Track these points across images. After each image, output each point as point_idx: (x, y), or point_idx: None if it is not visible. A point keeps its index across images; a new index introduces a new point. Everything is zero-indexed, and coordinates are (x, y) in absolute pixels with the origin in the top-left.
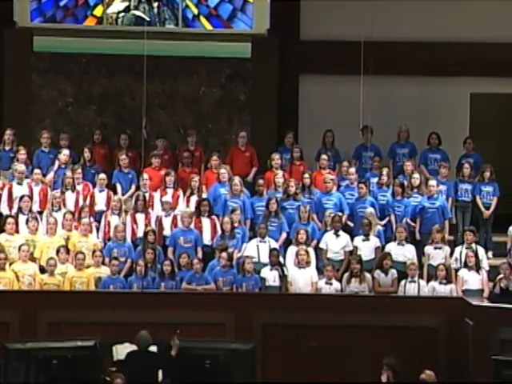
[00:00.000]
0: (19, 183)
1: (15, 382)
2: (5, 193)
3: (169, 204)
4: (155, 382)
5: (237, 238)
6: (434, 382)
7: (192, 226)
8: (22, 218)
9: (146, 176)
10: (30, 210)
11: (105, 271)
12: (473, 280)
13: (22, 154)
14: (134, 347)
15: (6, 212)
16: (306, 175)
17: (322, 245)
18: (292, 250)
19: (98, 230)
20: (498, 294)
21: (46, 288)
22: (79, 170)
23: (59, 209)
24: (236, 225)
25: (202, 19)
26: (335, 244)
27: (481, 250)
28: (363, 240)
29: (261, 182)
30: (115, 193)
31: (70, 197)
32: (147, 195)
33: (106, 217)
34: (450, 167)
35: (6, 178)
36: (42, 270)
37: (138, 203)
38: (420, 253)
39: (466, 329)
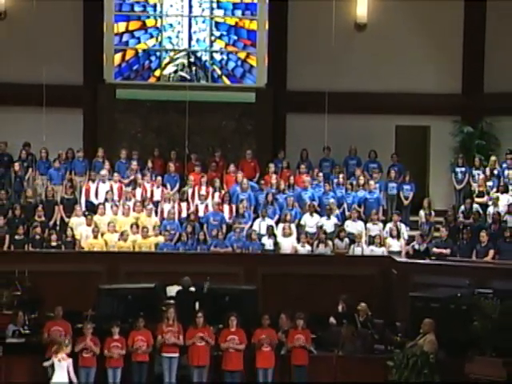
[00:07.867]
0: (103, 182)
1: (105, 310)
2: (94, 188)
3: (203, 196)
4: (193, 309)
5: (245, 218)
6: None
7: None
8: (107, 205)
9: (191, 178)
10: (112, 200)
11: (161, 239)
12: (396, 245)
13: (107, 165)
14: (179, 288)
15: (94, 200)
16: (291, 178)
17: (301, 222)
18: (281, 225)
19: (156, 212)
20: (412, 254)
21: (122, 250)
22: (148, 174)
23: (130, 199)
24: (244, 209)
25: (224, 77)
26: (310, 222)
27: (402, 226)
28: (327, 219)
29: (262, 182)
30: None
31: (137, 191)
32: (190, 191)
33: (161, 204)
34: (382, 173)
35: (98, 178)
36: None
37: (182, 196)
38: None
39: (392, 276)
